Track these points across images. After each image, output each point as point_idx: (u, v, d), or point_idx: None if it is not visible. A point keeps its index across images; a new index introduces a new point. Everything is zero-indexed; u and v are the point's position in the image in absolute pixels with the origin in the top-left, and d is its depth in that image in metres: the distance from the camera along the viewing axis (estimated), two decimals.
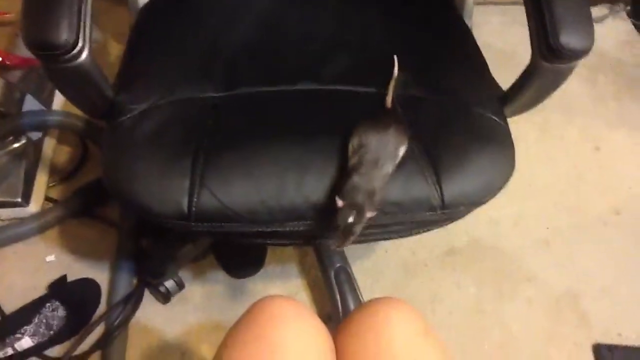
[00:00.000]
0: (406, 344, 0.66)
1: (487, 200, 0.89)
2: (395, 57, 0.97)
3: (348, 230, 0.76)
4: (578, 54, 0.82)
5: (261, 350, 0.63)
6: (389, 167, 0.80)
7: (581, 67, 0.85)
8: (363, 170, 0.78)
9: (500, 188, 0.89)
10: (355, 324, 0.68)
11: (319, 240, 0.81)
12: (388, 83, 0.94)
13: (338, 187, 0.79)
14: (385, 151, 0.80)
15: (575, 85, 1.77)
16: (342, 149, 0.84)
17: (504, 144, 0.92)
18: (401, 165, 0.84)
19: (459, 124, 0.93)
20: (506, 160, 0.91)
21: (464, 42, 1.09)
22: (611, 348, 1.31)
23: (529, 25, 0.86)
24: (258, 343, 0.63)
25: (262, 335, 0.64)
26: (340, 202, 0.76)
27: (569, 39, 0.80)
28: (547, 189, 1.56)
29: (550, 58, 0.83)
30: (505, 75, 0.99)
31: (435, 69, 1.02)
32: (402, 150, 0.83)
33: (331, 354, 0.68)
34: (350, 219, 0.75)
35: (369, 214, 0.76)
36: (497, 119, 0.94)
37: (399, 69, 0.97)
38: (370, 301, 0.75)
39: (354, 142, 0.82)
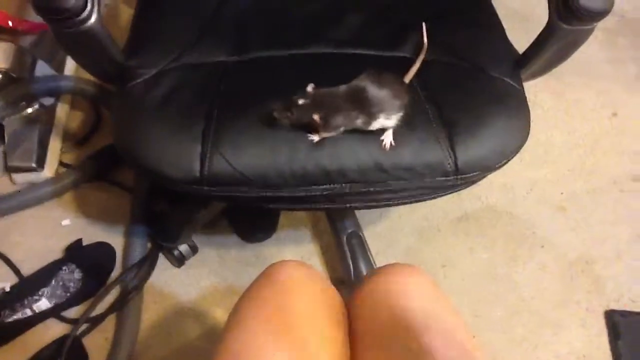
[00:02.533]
0: (420, 311, 0.66)
1: (501, 166, 0.88)
2: (424, 25, 0.95)
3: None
4: (597, 15, 0.79)
5: (273, 314, 0.63)
6: (359, 119, 0.81)
7: (599, 30, 0.82)
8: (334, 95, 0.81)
9: (515, 153, 0.88)
10: (369, 291, 0.68)
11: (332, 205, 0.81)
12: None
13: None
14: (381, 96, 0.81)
15: (594, 49, 1.72)
16: None
17: (520, 108, 0.91)
18: (413, 128, 0.83)
19: (474, 88, 0.91)
20: (521, 125, 0.89)
21: (480, 4, 1.06)
22: (624, 314, 1.31)
23: None
24: (270, 307, 0.64)
25: (274, 299, 0.65)
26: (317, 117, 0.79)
27: None
28: (563, 155, 1.54)
29: (568, 19, 0.81)
30: (521, 37, 0.97)
31: (449, 31, 1.00)
32: (384, 119, 0.82)
33: (343, 319, 0.68)
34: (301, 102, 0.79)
35: (316, 117, 0.79)
36: (512, 83, 0.92)
37: (414, 33, 0.95)
38: (383, 267, 0.75)
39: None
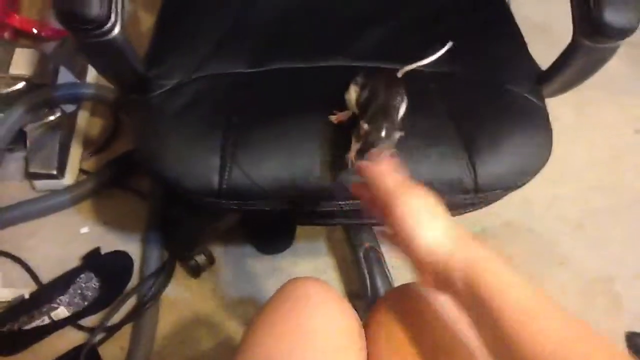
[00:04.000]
0: (441, 328, 0.65)
1: (522, 184, 0.87)
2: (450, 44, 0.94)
3: (383, 143, 0.72)
4: (623, 33, 0.78)
5: (288, 332, 0.63)
6: (400, 107, 0.78)
7: (625, 44, 0.81)
8: (379, 100, 0.76)
9: (536, 172, 0.87)
10: (385, 312, 0.68)
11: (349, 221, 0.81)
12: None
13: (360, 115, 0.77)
14: (394, 97, 0.78)
15: (616, 63, 1.68)
16: None
17: (541, 125, 0.90)
18: (434, 143, 0.82)
19: (495, 104, 0.90)
20: (543, 143, 0.88)
21: (501, 18, 1.05)
22: None
23: (570, 0, 0.83)
24: (286, 325, 0.64)
25: (289, 317, 0.65)
26: (366, 126, 0.73)
27: (613, 15, 0.77)
28: (583, 171, 1.53)
29: (593, 36, 0.80)
30: (541, 50, 0.96)
31: (472, 45, 0.99)
32: (403, 106, 0.79)
33: (359, 340, 0.68)
34: (383, 134, 0.72)
35: (398, 134, 0.73)
36: (534, 99, 0.91)
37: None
38: (398, 287, 0.75)
39: (360, 82, 0.81)
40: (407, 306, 0.69)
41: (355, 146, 0.74)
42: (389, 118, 0.74)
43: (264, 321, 0.66)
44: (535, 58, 0.98)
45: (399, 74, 0.87)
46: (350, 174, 0.78)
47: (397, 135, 0.73)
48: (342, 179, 0.80)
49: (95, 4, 0.73)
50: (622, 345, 1.27)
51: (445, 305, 0.67)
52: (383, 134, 0.72)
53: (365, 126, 0.73)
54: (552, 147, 0.89)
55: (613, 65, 1.65)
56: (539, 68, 0.96)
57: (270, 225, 1.31)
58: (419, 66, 0.91)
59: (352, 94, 0.81)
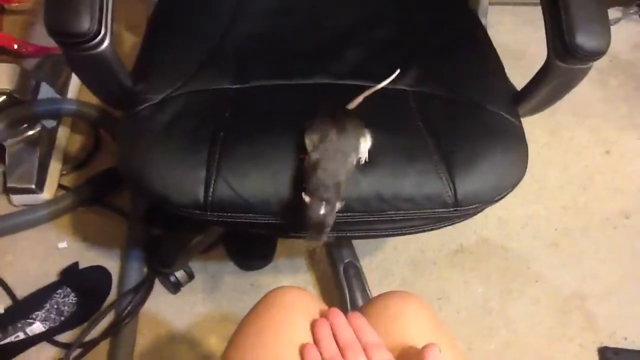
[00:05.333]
0: (419, 336, 0.66)
1: (499, 199, 0.89)
2: (398, 71, 0.98)
3: (322, 222, 0.76)
4: (594, 55, 0.82)
5: (272, 341, 0.63)
6: (352, 159, 0.81)
7: (592, 70, 0.85)
8: (325, 164, 0.78)
9: (513, 187, 0.90)
10: (367, 317, 0.68)
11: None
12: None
13: (304, 184, 0.79)
14: (346, 144, 0.80)
15: (587, 88, 1.76)
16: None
17: (518, 143, 0.93)
18: (414, 160, 0.85)
19: (473, 122, 0.93)
20: (519, 159, 0.91)
21: (479, 41, 1.09)
22: (617, 351, 1.32)
23: (545, 24, 0.86)
24: (270, 333, 0.64)
25: (272, 324, 0.65)
26: (307, 198, 0.76)
27: (585, 38, 0.81)
28: (557, 191, 1.57)
29: (566, 58, 0.83)
30: (516, 75, 1.00)
31: (450, 66, 1.03)
32: (362, 142, 0.83)
33: None
34: (322, 211, 0.76)
35: (338, 205, 0.77)
36: (510, 118, 0.94)
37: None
38: (381, 295, 0.76)
39: (313, 138, 0.81)
40: (382, 317, 0.70)
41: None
42: (331, 189, 0.77)
43: (247, 331, 0.67)
44: (512, 81, 1.02)
45: (350, 106, 0.90)
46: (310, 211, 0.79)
47: (337, 207, 0.77)
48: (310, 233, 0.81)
49: (85, 18, 0.74)
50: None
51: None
52: (322, 211, 0.76)
53: (307, 199, 0.76)
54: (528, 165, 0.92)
55: (584, 90, 1.73)
56: (515, 88, 0.99)
57: (251, 241, 1.32)
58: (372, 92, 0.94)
59: (308, 145, 0.82)
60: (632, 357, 1.32)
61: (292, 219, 0.85)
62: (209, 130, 0.87)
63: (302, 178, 0.81)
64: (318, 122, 0.83)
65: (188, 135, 0.87)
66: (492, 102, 0.96)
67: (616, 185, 1.59)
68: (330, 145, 0.80)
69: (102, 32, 0.76)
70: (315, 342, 0.63)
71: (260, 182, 0.83)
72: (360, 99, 0.92)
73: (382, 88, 0.95)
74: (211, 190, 0.82)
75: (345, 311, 0.68)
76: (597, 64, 0.84)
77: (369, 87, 0.95)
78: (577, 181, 1.59)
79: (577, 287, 1.40)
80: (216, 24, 1.04)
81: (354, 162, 0.81)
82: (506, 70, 1.03)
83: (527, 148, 0.92)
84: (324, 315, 0.68)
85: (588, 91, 1.76)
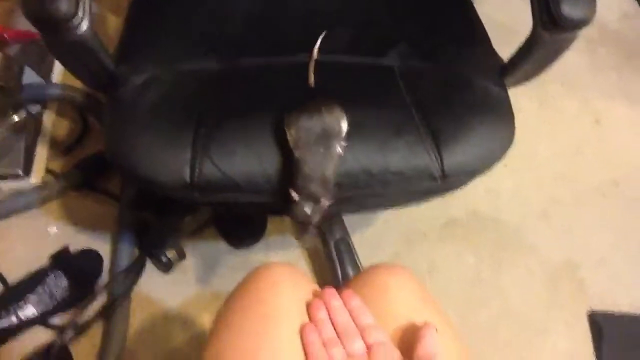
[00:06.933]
0: (406, 308, 0.67)
1: (487, 170, 0.90)
2: (323, 34, 0.97)
3: (307, 221, 0.77)
4: (579, 24, 0.81)
5: (259, 315, 0.64)
6: (336, 148, 0.79)
7: (581, 40, 0.85)
8: (310, 159, 0.77)
9: (500, 157, 0.90)
10: (355, 290, 0.69)
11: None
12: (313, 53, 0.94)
13: (290, 180, 0.79)
14: (326, 133, 0.79)
15: (575, 58, 1.76)
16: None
17: (504, 113, 0.93)
18: (401, 134, 0.85)
19: (460, 94, 0.93)
20: (506, 130, 0.91)
21: (465, 14, 1.08)
22: (607, 316, 1.34)
23: None
24: (256, 308, 0.64)
25: (260, 300, 0.65)
26: (295, 196, 0.76)
27: (570, 8, 0.80)
28: (547, 161, 1.57)
29: (551, 27, 0.83)
30: (505, 48, 0.99)
31: (436, 39, 1.02)
32: (344, 125, 0.81)
33: None
34: (307, 210, 0.76)
35: (326, 202, 0.77)
36: (497, 89, 0.94)
37: (400, 40, 0.96)
38: (368, 268, 0.76)
39: (291, 133, 0.80)
40: (370, 289, 0.70)
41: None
42: (316, 188, 0.77)
43: (233, 307, 0.67)
44: (499, 53, 1.01)
45: (310, 82, 0.90)
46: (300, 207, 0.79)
47: (325, 206, 0.77)
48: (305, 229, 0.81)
49: (62, 1, 0.73)
50: (586, 326, 1.32)
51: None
52: (307, 211, 0.76)
53: (295, 196, 0.76)
54: (516, 138, 0.92)
55: (573, 60, 1.73)
56: (501, 60, 0.99)
57: (242, 219, 1.32)
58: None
59: (290, 140, 0.81)
60: (621, 320, 1.34)
61: (280, 197, 0.85)
62: (194, 111, 0.86)
63: (285, 167, 0.82)
64: (294, 114, 0.81)
65: (173, 115, 0.86)
66: (478, 73, 0.95)
67: (606, 155, 1.60)
68: (310, 139, 0.78)
69: (80, 14, 0.75)
70: (312, 323, 0.64)
71: (247, 160, 0.83)
72: (311, 72, 0.91)
73: (369, 64, 0.94)
74: (197, 170, 0.81)
75: (337, 287, 0.69)
76: (586, 34, 0.84)
77: (357, 64, 0.95)
78: (567, 151, 1.59)
79: (568, 256, 1.42)
80: (201, 3, 1.03)
81: (338, 150, 0.80)
82: (494, 42, 1.03)
83: (513, 119, 0.92)
84: (318, 295, 0.68)
85: (577, 61, 1.76)
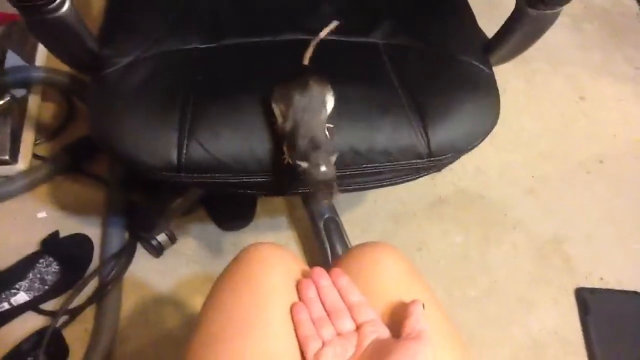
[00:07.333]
0: (393, 285, 0.67)
1: (473, 147, 0.90)
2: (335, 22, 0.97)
3: (330, 179, 0.76)
4: (562, 0, 0.82)
5: (249, 294, 0.64)
6: (323, 115, 0.80)
7: (566, 16, 0.85)
8: (302, 129, 0.77)
9: (486, 135, 0.90)
10: (343, 268, 0.70)
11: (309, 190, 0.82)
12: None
13: (291, 155, 0.78)
14: (312, 104, 0.79)
15: (561, 35, 1.76)
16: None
17: (489, 91, 0.93)
18: (387, 112, 0.85)
19: (445, 72, 0.93)
20: (491, 107, 0.92)
21: None
22: (593, 291, 1.36)
23: None
24: (246, 287, 0.65)
25: (250, 279, 0.66)
26: (304, 164, 0.76)
27: None
28: (533, 139, 1.58)
29: (535, 3, 0.83)
30: (490, 25, 0.99)
31: (421, 17, 1.02)
32: (329, 97, 0.82)
33: None
34: (324, 169, 0.75)
35: (333, 157, 0.77)
36: (482, 67, 0.94)
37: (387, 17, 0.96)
38: (356, 246, 0.77)
39: (280, 107, 0.80)
40: (357, 266, 0.71)
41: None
42: (320, 147, 0.76)
43: (222, 288, 0.68)
44: (485, 32, 1.01)
45: (305, 61, 0.90)
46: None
47: (334, 159, 0.77)
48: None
49: None
50: (572, 301, 1.34)
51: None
52: (323, 168, 0.75)
53: (304, 165, 0.75)
54: (502, 117, 0.92)
55: (558, 37, 1.73)
56: (486, 37, 0.99)
57: (231, 201, 1.32)
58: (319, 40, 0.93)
59: (277, 115, 0.81)
60: (607, 296, 1.36)
61: (269, 177, 0.86)
62: (180, 92, 0.86)
63: (277, 140, 0.82)
64: (281, 89, 0.81)
65: (158, 97, 0.86)
66: (463, 51, 0.96)
67: (591, 131, 1.61)
68: (298, 110, 0.78)
69: None
70: (302, 302, 0.65)
71: (233, 141, 0.83)
72: (310, 51, 0.91)
73: (356, 42, 0.94)
74: (184, 151, 0.81)
75: (326, 266, 0.69)
76: (571, 11, 0.85)
77: (342, 42, 0.95)
78: (553, 128, 1.61)
79: (555, 231, 1.44)
80: None
81: (325, 117, 0.81)
82: (478, 19, 1.03)
83: (498, 96, 0.93)
84: (307, 273, 0.69)
85: (563, 38, 1.76)
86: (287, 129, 0.79)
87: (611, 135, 1.61)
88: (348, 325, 0.62)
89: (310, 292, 0.65)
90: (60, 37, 0.82)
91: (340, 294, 0.65)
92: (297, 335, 0.61)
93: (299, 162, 0.76)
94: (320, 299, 0.65)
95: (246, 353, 0.58)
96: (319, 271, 0.67)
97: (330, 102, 0.82)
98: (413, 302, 0.61)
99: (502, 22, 0.91)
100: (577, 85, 1.69)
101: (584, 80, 1.70)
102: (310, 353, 0.59)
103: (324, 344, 0.60)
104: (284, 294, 0.65)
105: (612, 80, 1.70)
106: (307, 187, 0.77)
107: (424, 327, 0.58)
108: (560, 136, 1.59)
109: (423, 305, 0.61)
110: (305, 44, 0.94)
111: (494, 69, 0.97)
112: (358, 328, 0.61)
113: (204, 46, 0.94)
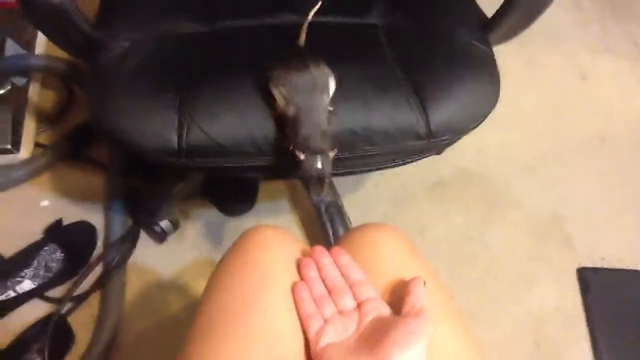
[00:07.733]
0: (394, 263, 0.68)
1: (473, 128, 0.90)
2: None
3: (322, 175, 0.77)
4: None
5: (250, 276, 0.65)
6: (325, 101, 0.80)
7: None
8: (304, 116, 0.78)
9: (486, 115, 0.90)
10: (344, 248, 0.70)
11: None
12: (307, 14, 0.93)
13: (291, 141, 0.79)
14: (316, 89, 0.80)
15: (560, 13, 1.75)
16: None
17: (489, 70, 0.93)
18: (386, 93, 0.85)
19: (444, 52, 0.93)
20: (491, 87, 0.91)
21: None
22: (595, 271, 1.36)
23: None
24: (247, 268, 0.65)
25: (251, 260, 0.66)
26: (301, 155, 0.76)
27: None
28: (533, 118, 1.58)
29: None
30: (489, 5, 0.99)
31: None
32: (331, 81, 0.82)
33: None
34: (319, 164, 0.76)
35: (332, 153, 0.78)
36: (481, 46, 0.94)
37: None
38: (357, 227, 0.77)
39: (281, 91, 0.80)
40: (358, 246, 0.72)
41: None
42: (321, 142, 0.77)
43: (224, 270, 0.68)
44: (484, 10, 1.01)
45: (300, 42, 0.89)
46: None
47: (332, 155, 0.78)
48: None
49: None
50: (573, 279, 1.35)
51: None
52: (319, 165, 0.76)
53: (302, 156, 0.76)
54: (502, 96, 0.92)
55: (558, 15, 1.72)
56: (485, 16, 0.99)
57: (233, 186, 1.33)
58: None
59: (279, 98, 0.81)
60: (609, 276, 1.37)
61: (267, 160, 0.86)
62: (177, 75, 0.86)
63: (276, 122, 0.82)
64: (280, 71, 0.81)
65: (156, 81, 0.85)
66: (462, 30, 0.95)
67: (591, 109, 1.61)
68: (302, 96, 0.79)
69: None
70: (303, 281, 0.65)
71: (232, 124, 0.83)
72: (304, 32, 0.90)
73: (351, 23, 0.94)
74: (184, 135, 0.81)
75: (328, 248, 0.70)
76: None
77: (337, 23, 0.94)
78: (553, 106, 1.60)
79: (555, 210, 1.44)
80: None
81: (327, 104, 0.81)
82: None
83: (498, 75, 0.93)
84: (308, 254, 0.69)
85: (562, 16, 1.75)
86: (290, 114, 0.79)
87: (611, 113, 1.60)
88: (349, 303, 0.62)
89: (311, 271, 0.66)
90: (55, 22, 0.82)
91: (341, 272, 0.66)
92: (298, 314, 0.62)
93: (297, 152, 0.77)
94: (321, 277, 0.66)
95: (248, 332, 0.59)
96: (320, 250, 0.68)
97: (332, 86, 0.82)
98: (414, 279, 0.62)
99: (501, 2, 0.91)
100: (577, 63, 1.68)
101: (584, 58, 1.69)
102: (311, 331, 0.60)
103: (325, 322, 0.61)
104: (285, 274, 0.65)
105: (611, 58, 1.70)
106: (300, 177, 0.78)
107: (424, 304, 0.59)
108: (561, 115, 1.59)
109: (424, 283, 0.62)
110: (300, 26, 0.94)
111: (494, 48, 0.97)
112: (359, 306, 0.62)
113: (200, 29, 0.94)
